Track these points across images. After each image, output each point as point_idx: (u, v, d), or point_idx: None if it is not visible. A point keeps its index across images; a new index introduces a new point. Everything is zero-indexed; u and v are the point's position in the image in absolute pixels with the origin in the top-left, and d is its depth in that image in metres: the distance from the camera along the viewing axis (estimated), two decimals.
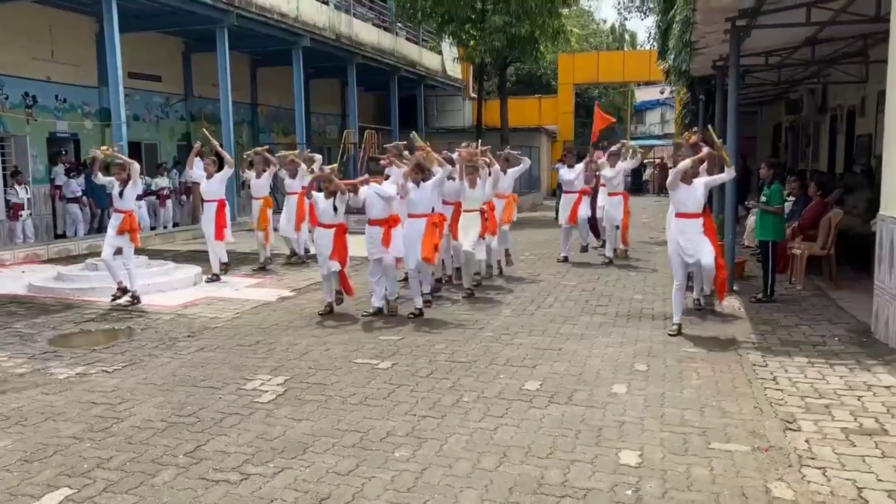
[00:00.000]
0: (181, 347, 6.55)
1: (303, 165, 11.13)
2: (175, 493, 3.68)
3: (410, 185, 7.78)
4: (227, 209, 10.28)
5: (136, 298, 8.31)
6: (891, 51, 6.59)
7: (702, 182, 7.03)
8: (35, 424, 4.63)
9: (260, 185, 11.01)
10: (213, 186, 9.98)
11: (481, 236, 8.87)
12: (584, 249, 12.07)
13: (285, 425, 4.59)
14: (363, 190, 7.77)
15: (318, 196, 7.89)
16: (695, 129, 9.59)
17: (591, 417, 4.73)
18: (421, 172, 7.85)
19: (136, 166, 8.50)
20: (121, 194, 8.28)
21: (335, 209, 7.70)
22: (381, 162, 9.41)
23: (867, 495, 3.64)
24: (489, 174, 9.03)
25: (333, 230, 7.73)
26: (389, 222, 7.71)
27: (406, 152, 9.31)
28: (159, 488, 3.73)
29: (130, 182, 8.29)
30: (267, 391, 5.27)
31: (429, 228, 7.75)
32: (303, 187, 11.45)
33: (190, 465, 4.01)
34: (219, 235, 9.97)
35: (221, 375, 5.66)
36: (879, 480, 3.81)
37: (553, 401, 5.05)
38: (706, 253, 6.90)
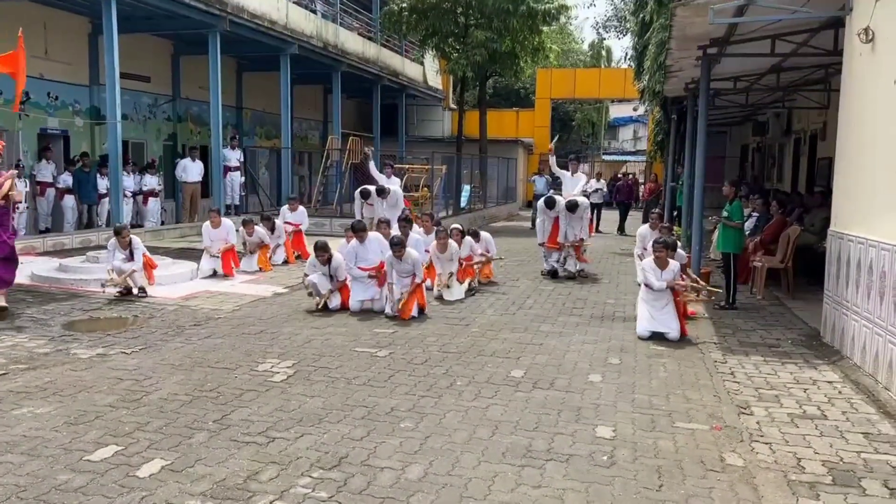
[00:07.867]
0: (190, 334, 7.03)
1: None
2: (211, 450, 4.20)
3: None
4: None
5: (142, 290, 8.76)
6: (843, 83, 7.36)
7: (674, 267, 7.57)
8: (71, 395, 5.10)
9: (253, 240, 11.38)
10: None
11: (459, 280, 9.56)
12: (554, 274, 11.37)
13: (300, 401, 5.12)
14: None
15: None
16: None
17: (570, 400, 5.33)
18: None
19: None
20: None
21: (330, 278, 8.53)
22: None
23: (805, 464, 4.29)
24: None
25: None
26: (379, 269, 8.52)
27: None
28: (197, 447, 4.24)
29: None
30: (278, 372, 5.79)
31: (416, 289, 8.20)
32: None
33: (220, 430, 4.52)
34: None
35: (233, 358, 6.16)
36: (816, 453, 4.46)
37: (537, 386, 5.64)
38: (673, 328, 7.35)
